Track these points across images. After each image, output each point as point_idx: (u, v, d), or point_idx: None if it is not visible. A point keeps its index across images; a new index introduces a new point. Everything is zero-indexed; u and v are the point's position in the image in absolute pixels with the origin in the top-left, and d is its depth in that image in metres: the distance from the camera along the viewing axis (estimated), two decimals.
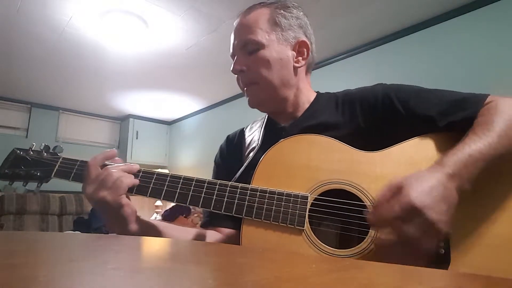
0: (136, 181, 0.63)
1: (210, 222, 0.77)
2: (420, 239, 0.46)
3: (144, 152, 4.84)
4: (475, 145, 0.51)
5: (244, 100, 0.76)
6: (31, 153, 0.71)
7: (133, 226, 0.63)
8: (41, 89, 3.83)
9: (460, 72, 2.12)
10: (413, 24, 2.40)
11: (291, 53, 0.73)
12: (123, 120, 5.06)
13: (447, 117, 0.60)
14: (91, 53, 2.92)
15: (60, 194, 3.94)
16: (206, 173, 0.64)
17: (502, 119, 0.54)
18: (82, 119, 4.77)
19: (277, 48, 0.71)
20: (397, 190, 0.48)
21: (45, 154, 0.71)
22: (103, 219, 0.64)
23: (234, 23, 0.75)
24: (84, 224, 3.72)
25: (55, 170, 0.68)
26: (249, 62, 0.71)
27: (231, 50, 0.76)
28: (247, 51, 0.72)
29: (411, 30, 2.42)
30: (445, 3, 2.16)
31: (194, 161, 4.58)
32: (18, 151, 0.71)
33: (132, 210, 0.63)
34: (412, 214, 0.46)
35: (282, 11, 0.73)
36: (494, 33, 2.01)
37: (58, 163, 0.69)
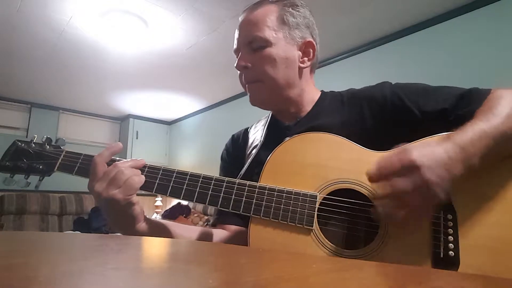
0: (143, 178, 0.61)
1: (219, 219, 0.76)
2: (414, 198, 0.46)
3: (144, 152, 4.84)
4: (478, 126, 0.51)
5: (244, 100, 0.75)
6: (33, 145, 0.69)
7: (141, 226, 0.61)
8: (41, 89, 3.83)
9: (459, 72, 2.11)
10: (413, 24, 2.40)
11: (297, 53, 0.72)
12: (123, 120, 5.06)
13: (455, 111, 0.61)
14: (91, 53, 2.92)
15: (60, 194, 3.94)
16: (206, 173, 0.63)
17: (502, 104, 0.54)
18: (82, 119, 4.77)
19: (284, 47, 0.70)
20: (401, 151, 0.49)
21: (47, 147, 0.69)
22: (108, 218, 0.62)
23: (240, 18, 0.74)
24: (84, 224, 3.72)
25: (58, 163, 0.66)
26: (254, 59, 0.70)
27: (235, 46, 0.74)
28: (253, 48, 0.70)
29: (411, 30, 2.42)
30: (445, 3, 2.16)
31: (194, 161, 4.58)
32: (20, 143, 0.69)
33: (141, 209, 0.61)
34: (409, 170, 0.46)
35: (290, 9, 0.71)
36: (494, 33, 2.01)
37: (62, 156, 0.67)
